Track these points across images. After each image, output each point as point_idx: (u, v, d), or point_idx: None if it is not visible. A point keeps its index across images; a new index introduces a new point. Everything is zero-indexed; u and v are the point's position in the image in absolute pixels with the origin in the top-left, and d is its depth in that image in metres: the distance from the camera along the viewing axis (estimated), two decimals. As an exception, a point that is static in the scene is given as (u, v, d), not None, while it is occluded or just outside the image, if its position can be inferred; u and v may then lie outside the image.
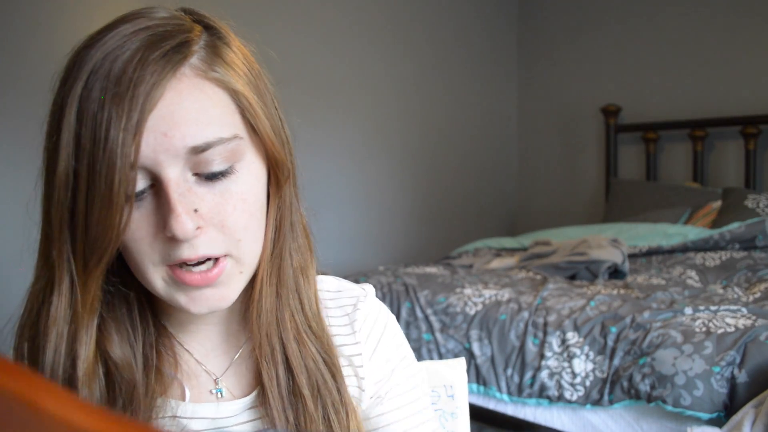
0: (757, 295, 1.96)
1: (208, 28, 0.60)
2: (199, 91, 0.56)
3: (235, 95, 0.58)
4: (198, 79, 0.56)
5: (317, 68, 2.97)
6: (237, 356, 0.67)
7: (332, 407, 0.64)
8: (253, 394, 0.66)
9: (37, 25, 2.16)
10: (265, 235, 0.63)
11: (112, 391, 0.59)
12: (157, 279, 0.58)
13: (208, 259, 0.58)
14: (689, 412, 1.52)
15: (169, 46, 0.55)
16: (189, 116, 0.55)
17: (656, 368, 1.59)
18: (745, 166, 3.07)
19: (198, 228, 0.56)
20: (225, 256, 0.58)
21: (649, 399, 1.60)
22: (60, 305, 0.56)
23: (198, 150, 0.55)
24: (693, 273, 2.32)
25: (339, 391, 0.65)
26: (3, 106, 2.10)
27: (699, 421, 1.53)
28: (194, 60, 0.57)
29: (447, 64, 3.61)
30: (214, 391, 0.66)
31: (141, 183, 0.55)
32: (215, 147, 0.56)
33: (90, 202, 0.53)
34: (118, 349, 0.60)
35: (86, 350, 0.57)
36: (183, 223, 0.54)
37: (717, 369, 1.53)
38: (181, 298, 0.58)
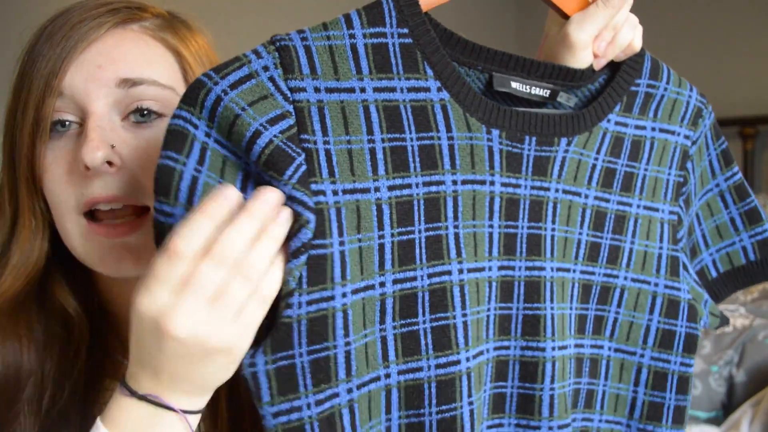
0: (755, 294, 1.96)
1: (175, 16, 0.61)
2: (144, 42, 0.56)
3: (179, 58, 0.58)
4: (145, 36, 0.57)
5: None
6: None
7: None
8: None
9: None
10: None
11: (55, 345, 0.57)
12: (74, 231, 0.54)
13: (125, 209, 0.54)
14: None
15: (123, 6, 0.57)
16: (128, 56, 0.55)
17: (655, 367, 1.60)
18: (743, 167, 3.07)
19: (111, 165, 0.53)
20: (148, 211, 0.54)
21: (648, 398, 1.60)
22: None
23: (129, 83, 0.54)
24: (691, 273, 2.32)
25: None
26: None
27: (697, 420, 1.53)
28: (146, 22, 0.57)
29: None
30: None
31: (68, 114, 0.54)
32: (148, 85, 0.54)
33: (23, 129, 0.54)
34: (71, 300, 0.58)
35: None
36: (92, 149, 0.51)
37: (715, 368, 1.53)
38: (95, 255, 0.55)
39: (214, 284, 0.41)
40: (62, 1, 0.57)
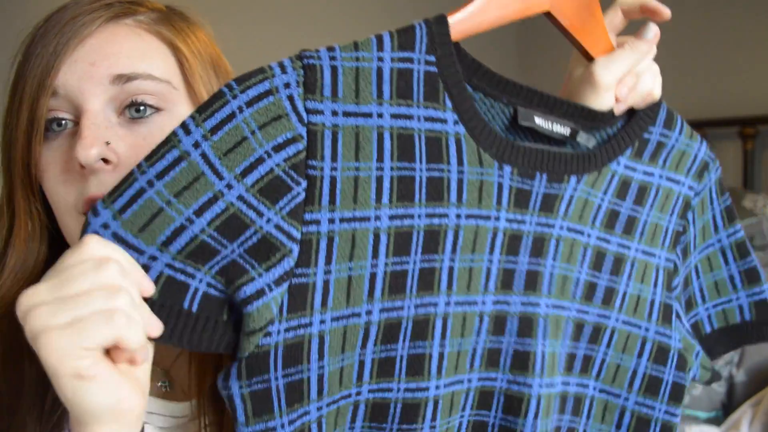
0: (755, 295, 1.96)
1: (172, 10, 0.60)
2: (137, 36, 0.56)
3: (175, 51, 0.57)
4: (139, 29, 0.56)
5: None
6: None
7: None
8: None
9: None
10: None
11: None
12: (75, 230, 0.53)
13: None
14: (687, 411, 1.53)
15: (117, 0, 0.56)
16: (121, 50, 0.54)
17: (654, 367, 1.60)
18: (743, 167, 3.07)
19: (108, 162, 0.52)
20: None
21: (648, 398, 1.60)
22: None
23: (123, 78, 0.53)
24: (691, 273, 2.32)
25: None
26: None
27: (697, 420, 1.53)
28: (140, 16, 0.57)
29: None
30: (159, 384, 0.59)
31: (63, 113, 0.54)
32: (143, 80, 0.54)
33: (17, 129, 0.54)
34: None
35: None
36: (85, 146, 0.51)
37: (715, 368, 1.54)
38: None
39: (86, 284, 0.39)
40: (62, 1, 0.57)
